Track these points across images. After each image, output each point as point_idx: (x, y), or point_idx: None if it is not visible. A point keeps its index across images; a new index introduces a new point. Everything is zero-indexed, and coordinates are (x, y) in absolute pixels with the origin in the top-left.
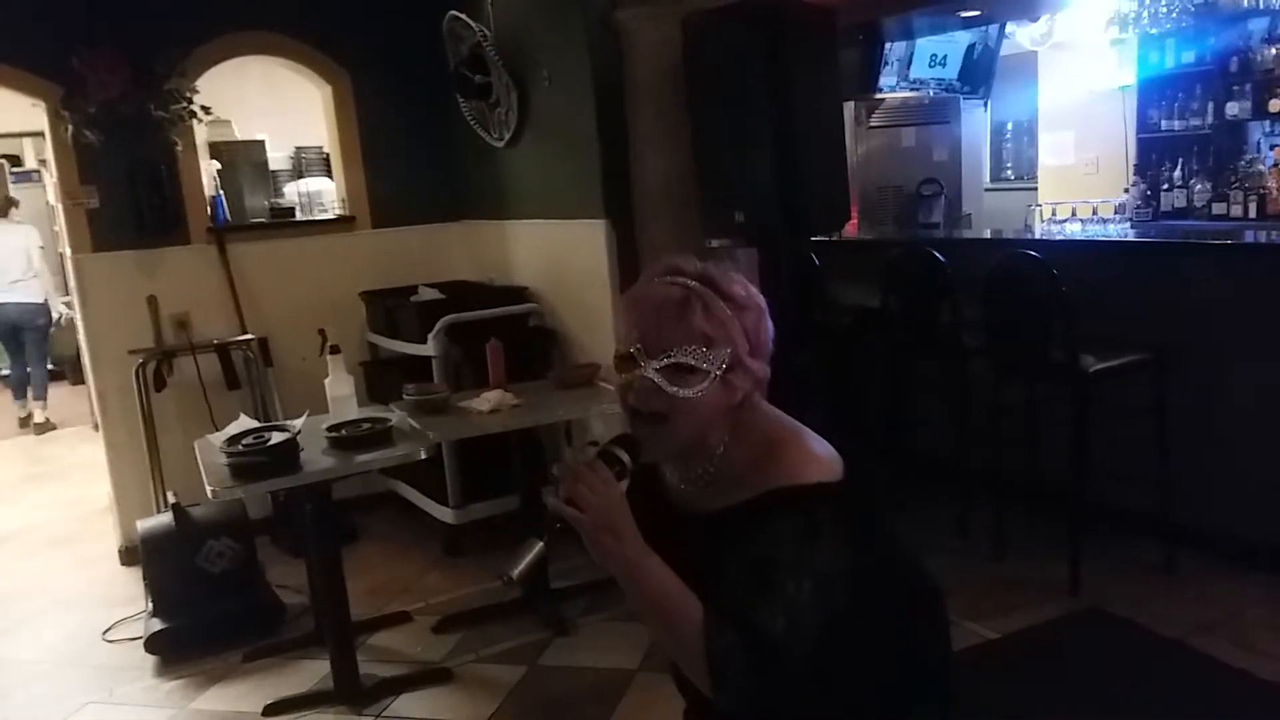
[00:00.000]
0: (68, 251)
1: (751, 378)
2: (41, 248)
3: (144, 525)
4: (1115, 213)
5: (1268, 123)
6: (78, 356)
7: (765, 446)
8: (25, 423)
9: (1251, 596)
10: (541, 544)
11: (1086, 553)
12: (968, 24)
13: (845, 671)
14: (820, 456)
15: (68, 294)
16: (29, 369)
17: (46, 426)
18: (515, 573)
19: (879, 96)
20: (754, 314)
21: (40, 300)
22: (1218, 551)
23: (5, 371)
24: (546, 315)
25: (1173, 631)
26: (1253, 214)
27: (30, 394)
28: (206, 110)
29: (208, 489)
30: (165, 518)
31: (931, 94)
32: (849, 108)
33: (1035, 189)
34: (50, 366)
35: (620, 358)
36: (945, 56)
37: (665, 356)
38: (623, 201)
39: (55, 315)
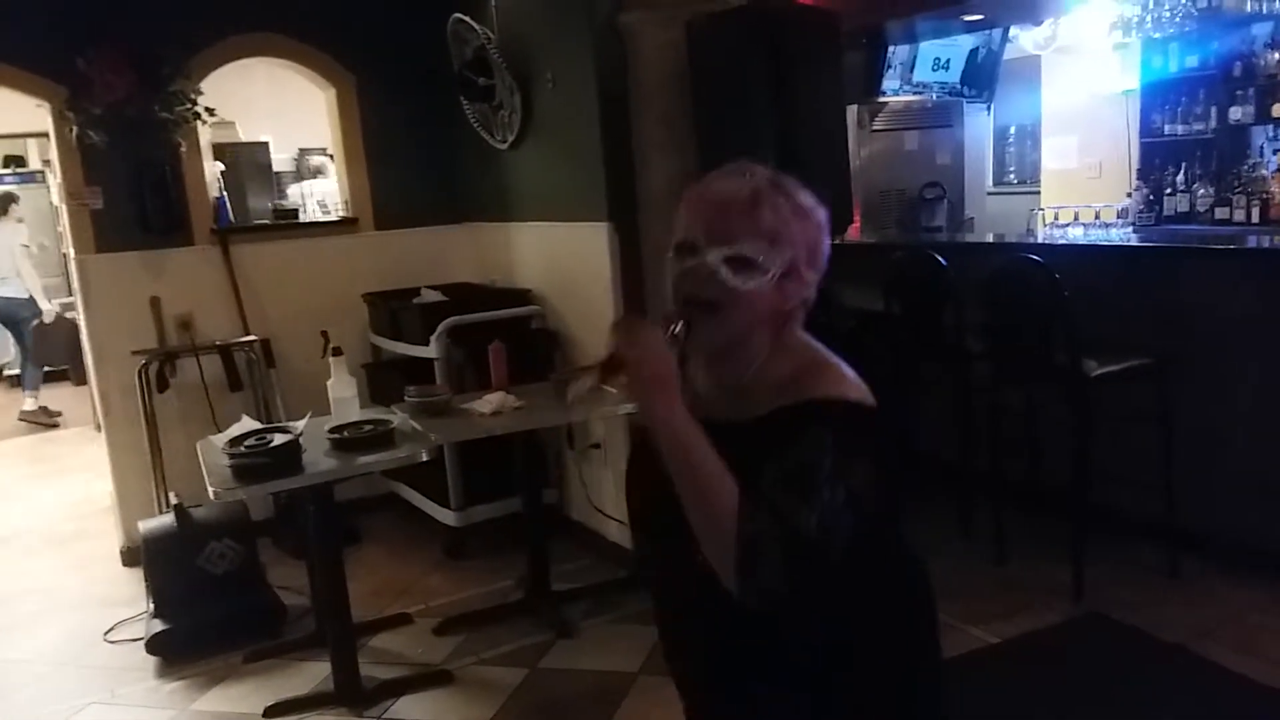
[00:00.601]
0: (71, 252)
1: (803, 290)
2: (25, 245)
3: (146, 526)
4: (1118, 217)
5: (1271, 127)
6: (80, 356)
7: (806, 363)
8: (26, 416)
9: (1254, 601)
10: (595, 375)
11: (1088, 557)
12: (971, 28)
13: (857, 589)
14: (858, 382)
15: (70, 294)
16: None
17: (38, 415)
18: (570, 395)
19: (882, 100)
20: (816, 226)
21: (25, 296)
22: (1220, 556)
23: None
24: (549, 317)
25: (1175, 636)
26: (1255, 218)
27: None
28: (211, 112)
29: (210, 490)
30: (167, 518)
31: (934, 98)
32: (852, 111)
33: (1038, 193)
34: (46, 368)
35: (680, 245)
36: (948, 60)
37: (729, 247)
38: (626, 204)
39: (40, 311)
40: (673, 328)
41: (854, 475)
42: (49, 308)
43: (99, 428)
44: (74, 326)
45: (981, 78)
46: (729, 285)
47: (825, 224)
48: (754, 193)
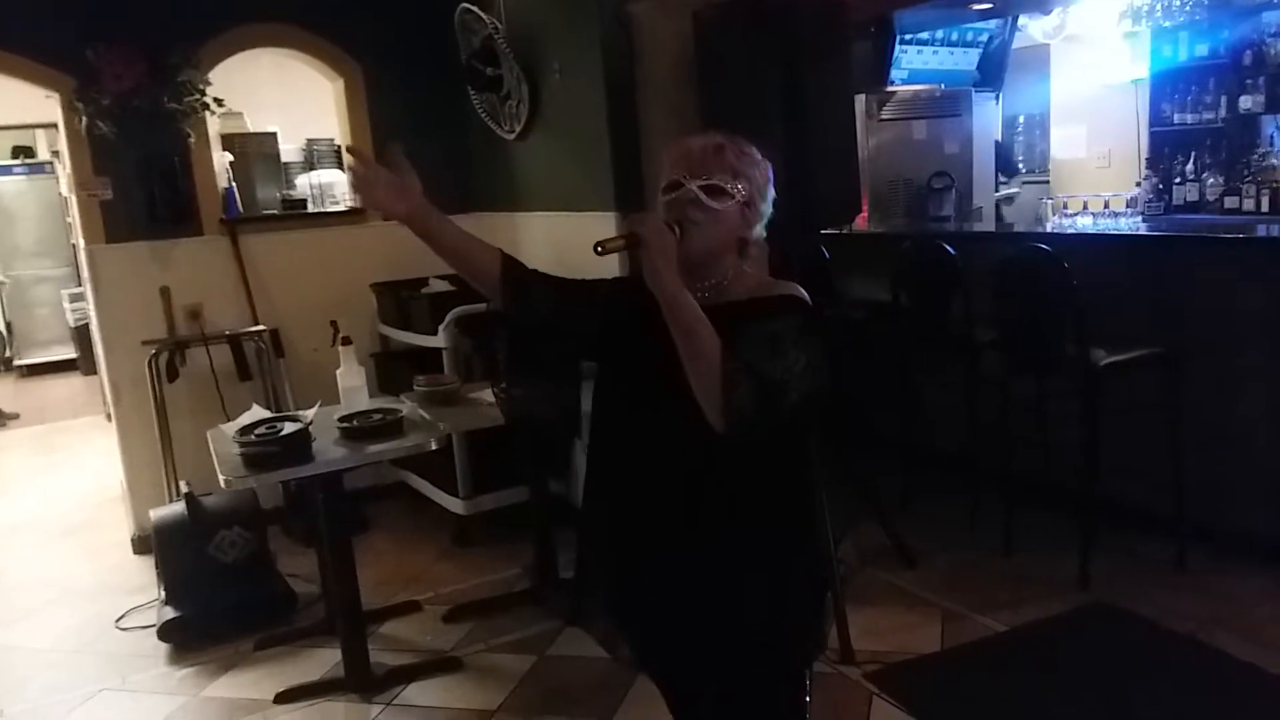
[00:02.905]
0: (81, 242)
1: (756, 220)
2: None
3: (156, 514)
4: (1127, 206)
5: None
6: (90, 347)
7: (767, 278)
8: None
9: (1262, 591)
10: (625, 240)
11: (1096, 547)
12: (981, 17)
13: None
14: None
15: (79, 284)
16: None
17: None
18: (602, 246)
19: (890, 89)
20: (764, 171)
21: None
22: (1228, 546)
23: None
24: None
25: (1182, 626)
26: (1265, 208)
27: None
28: (219, 102)
29: (220, 478)
30: (178, 507)
31: (943, 87)
32: (860, 100)
33: (1047, 182)
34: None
35: (668, 185)
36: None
37: (704, 178)
38: (634, 194)
39: None
40: (671, 227)
41: (811, 351)
42: None
43: (109, 417)
44: None
45: (991, 67)
46: (706, 205)
47: (771, 175)
48: (718, 143)
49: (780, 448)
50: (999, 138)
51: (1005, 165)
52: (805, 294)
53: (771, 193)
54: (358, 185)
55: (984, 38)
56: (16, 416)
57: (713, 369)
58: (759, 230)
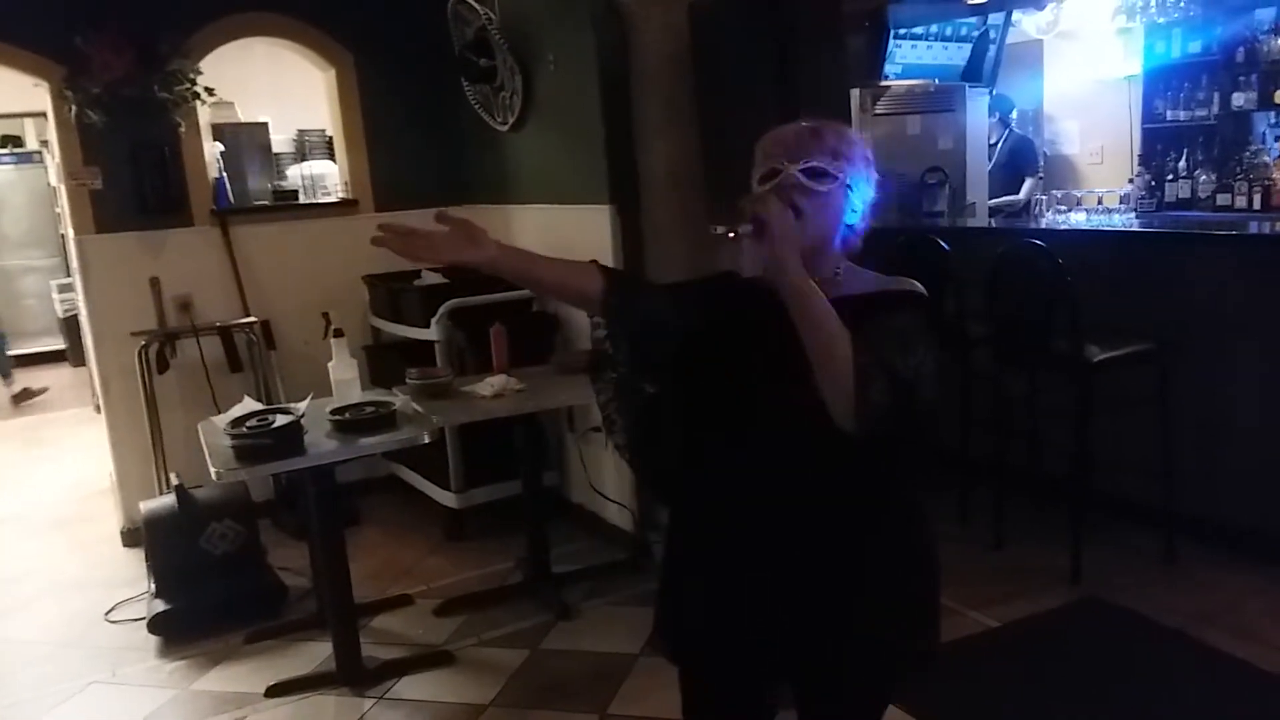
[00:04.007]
0: (70, 233)
1: (863, 203)
2: None
3: (147, 507)
4: (1120, 203)
5: (1273, 114)
6: (78, 338)
7: (880, 277)
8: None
9: (1252, 586)
10: (744, 232)
11: (1087, 542)
12: (975, 11)
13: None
14: None
15: (68, 275)
16: None
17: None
18: (729, 230)
19: (884, 84)
20: (865, 153)
21: None
22: (1219, 541)
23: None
24: (550, 300)
25: (1173, 621)
26: (1257, 205)
27: None
28: (210, 92)
29: (212, 471)
30: (168, 499)
31: (937, 81)
32: (854, 95)
33: (1040, 178)
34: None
35: (765, 173)
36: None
37: (805, 161)
38: (628, 187)
39: None
40: (796, 211)
41: (936, 350)
42: None
43: (98, 409)
44: None
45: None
46: (809, 188)
47: (871, 157)
48: (818, 126)
49: (898, 453)
50: (1015, 129)
51: (1026, 162)
52: (925, 290)
53: (874, 175)
54: (410, 253)
55: (976, 33)
56: (46, 390)
57: (845, 365)
58: (864, 216)
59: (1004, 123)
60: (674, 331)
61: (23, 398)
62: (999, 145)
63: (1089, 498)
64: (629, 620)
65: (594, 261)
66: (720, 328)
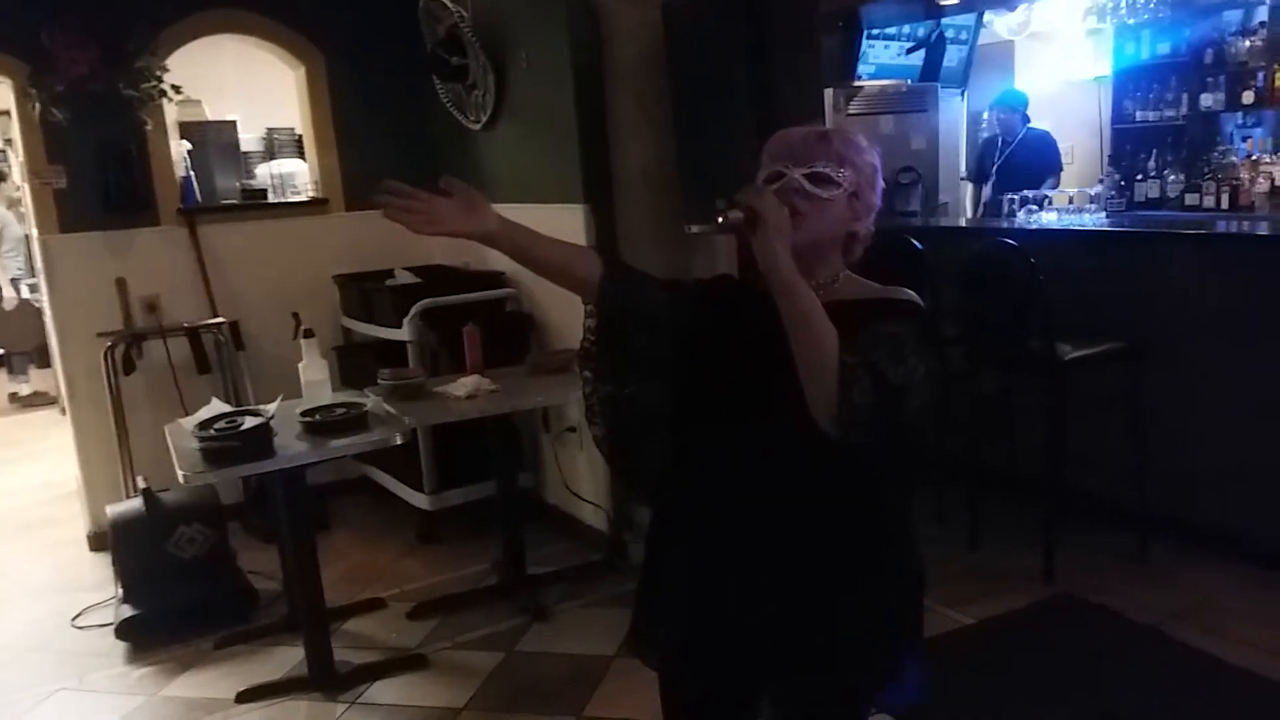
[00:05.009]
0: (34, 233)
1: (866, 213)
2: None
3: (114, 510)
4: (1090, 202)
5: (1241, 114)
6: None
7: (878, 285)
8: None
9: (1224, 584)
10: (734, 219)
11: (1061, 540)
12: (947, 12)
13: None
14: None
15: (33, 275)
16: None
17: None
18: (722, 217)
19: (858, 84)
20: (872, 160)
21: None
22: (1191, 539)
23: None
24: (524, 300)
25: (1145, 618)
26: (1225, 205)
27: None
28: (177, 89)
29: (179, 474)
30: (135, 503)
31: (910, 82)
32: (828, 94)
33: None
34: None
35: (769, 176)
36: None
37: (810, 166)
38: (602, 186)
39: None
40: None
41: (931, 362)
42: (10, 295)
43: (64, 411)
44: (38, 312)
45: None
46: (812, 194)
47: (879, 165)
48: (823, 130)
49: (882, 461)
50: (1033, 124)
51: (1050, 158)
52: (921, 301)
53: (880, 184)
54: (410, 221)
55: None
56: (53, 401)
57: (829, 362)
58: (868, 225)
59: (1024, 118)
60: (666, 325)
61: (33, 400)
62: (1013, 142)
63: (1063, 496)
64: (605, 621)
65: (592, 250)
66: (713, 327)
